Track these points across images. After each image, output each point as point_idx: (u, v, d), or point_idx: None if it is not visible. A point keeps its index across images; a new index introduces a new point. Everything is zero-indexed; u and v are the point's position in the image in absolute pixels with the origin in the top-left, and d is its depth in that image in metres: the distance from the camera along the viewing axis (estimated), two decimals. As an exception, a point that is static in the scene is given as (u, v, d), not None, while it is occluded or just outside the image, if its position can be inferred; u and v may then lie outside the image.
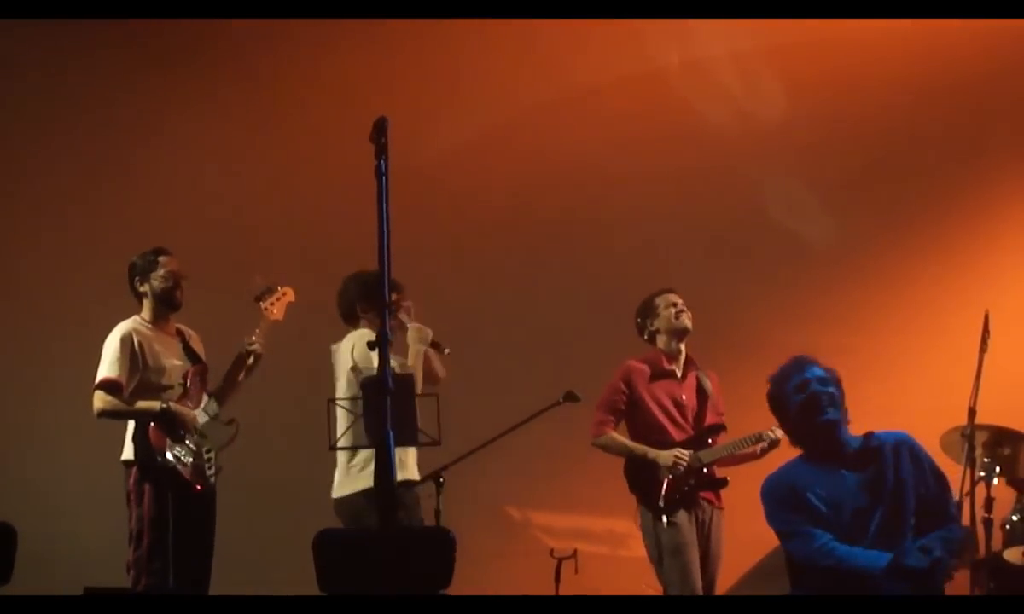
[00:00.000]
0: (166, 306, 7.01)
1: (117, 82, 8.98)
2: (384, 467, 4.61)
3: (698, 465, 7.00)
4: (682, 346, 7.19)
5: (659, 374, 7.16)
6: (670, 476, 6.97)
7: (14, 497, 8.14)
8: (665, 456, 7.00)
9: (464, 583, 6.74)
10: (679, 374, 7.18)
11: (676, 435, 7.09)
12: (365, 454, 6.75)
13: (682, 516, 6.98)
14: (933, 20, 8.01)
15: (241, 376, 6.97)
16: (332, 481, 7.08)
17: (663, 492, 6.98)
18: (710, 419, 7.16)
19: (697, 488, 7.01)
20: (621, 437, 7.17)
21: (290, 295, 7.16)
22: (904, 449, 5.50)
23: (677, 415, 7.12)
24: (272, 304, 7.09)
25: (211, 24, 8.50)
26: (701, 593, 6.93)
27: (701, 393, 7.18)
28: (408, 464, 6.89)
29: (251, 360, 6.97)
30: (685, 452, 7.00)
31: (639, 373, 7.17)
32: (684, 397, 7.14)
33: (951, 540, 5.42)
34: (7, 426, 8.74)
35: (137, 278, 6.99)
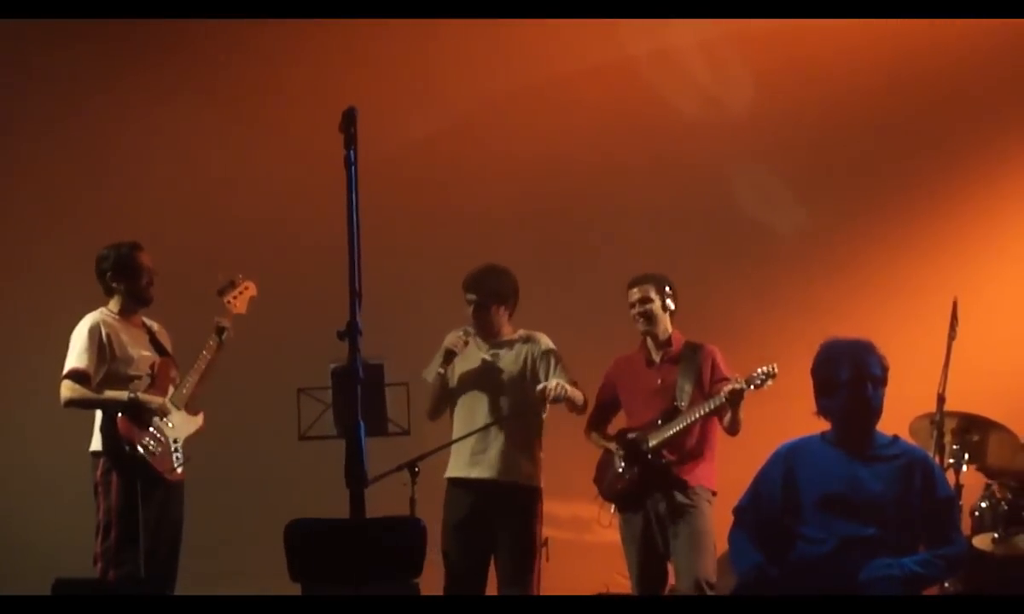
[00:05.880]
0: (139, 302, 6.99)
1: (86, 78, 8.93)
2: (354, 457, 4.59)
3: (644, 449, 6.77)
4: (657, 333, 6.93)
5: (634, 362, 7.03)
6: (614, 467, 6.87)
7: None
8: (611, 448, 6.94)
9: (435, 572, 6.76)
10: (653, 359, 6.95)
11: (637, 423, 6.90)
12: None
13: (629, 509, 6.85)
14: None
15: (210, 360, 6.93)
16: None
17: (604, 485, 6.94)
18: (686, 400, 6.79)
19: (642, 476, 6.79)
20: (596, 433, 7.10)
21: (252, 289, 7.18)
22: (917, 469, 5.36)
23: (641, 404, 6.91)
24: (235, 297, 7.11)
25: (179, 20, 8.47)
26: (639, 590, 6.80)
27: (670, 376, 6.86)
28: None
29: (221, 338, 6.94)
30: (617, 444, 6.88)
31: (617, 363, 7.11)
32: (658, 383, 6.88)
33: (933, 562, 5.31)
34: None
35: (110, 273, 6.93)
